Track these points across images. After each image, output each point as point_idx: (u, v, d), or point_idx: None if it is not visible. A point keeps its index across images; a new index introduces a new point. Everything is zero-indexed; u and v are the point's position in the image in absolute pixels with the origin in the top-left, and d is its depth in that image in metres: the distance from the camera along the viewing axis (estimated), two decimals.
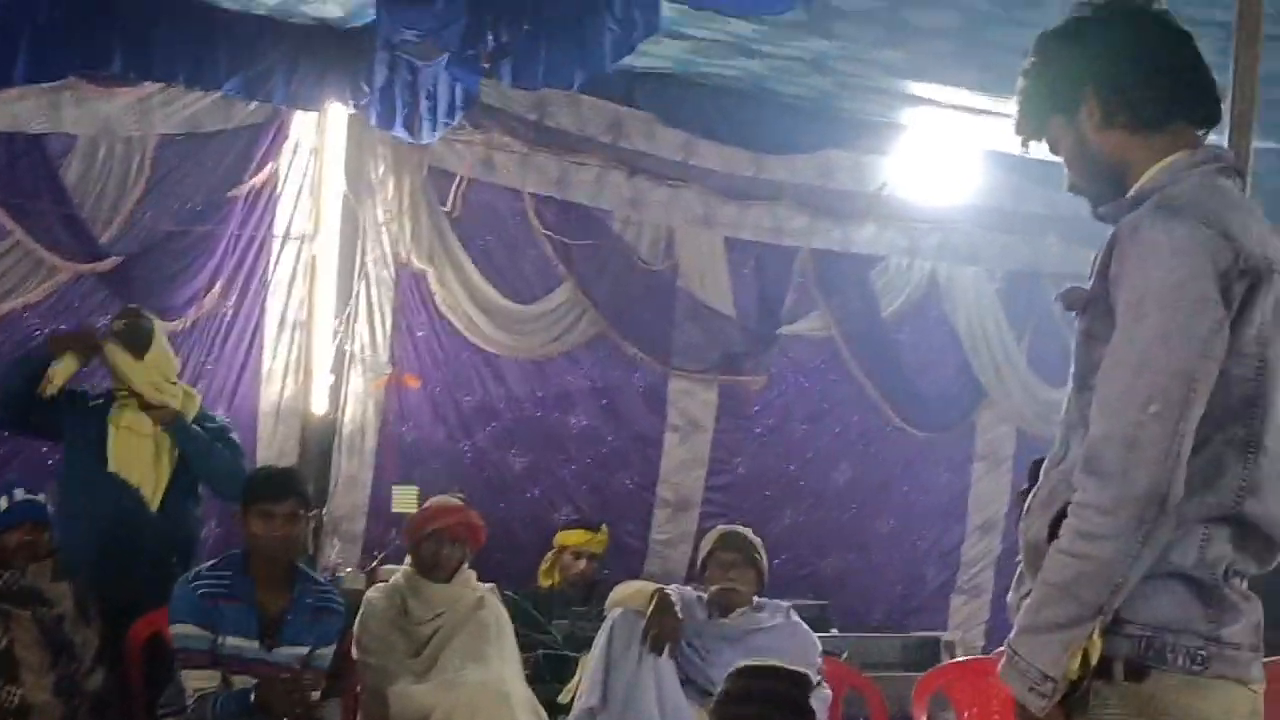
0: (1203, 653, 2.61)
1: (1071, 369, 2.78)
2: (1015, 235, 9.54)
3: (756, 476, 8.98)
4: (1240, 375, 2.61)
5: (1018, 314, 9.64)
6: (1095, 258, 2.72)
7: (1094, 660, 2.57)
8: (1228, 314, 2.57)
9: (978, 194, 9.18)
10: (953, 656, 7.85)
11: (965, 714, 6.27)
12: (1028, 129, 2.97)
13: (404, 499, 7.65)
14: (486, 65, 6.72)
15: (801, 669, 5.00)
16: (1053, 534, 2.62)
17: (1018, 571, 2.80)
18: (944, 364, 9.55)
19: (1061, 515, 2.61)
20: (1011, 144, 9.01)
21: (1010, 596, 2.82)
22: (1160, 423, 2.51)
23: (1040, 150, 8.69)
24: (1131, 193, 2.77)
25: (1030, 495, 2.82)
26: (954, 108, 8.08)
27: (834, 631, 7.58)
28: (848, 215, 9.08)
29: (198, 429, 6.41)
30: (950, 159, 8.96)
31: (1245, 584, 2.70)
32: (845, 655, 7.05)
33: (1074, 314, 2.78)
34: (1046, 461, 2.81)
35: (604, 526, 7.85)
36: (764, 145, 8.71)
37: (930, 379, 9.52)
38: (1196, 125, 2.82)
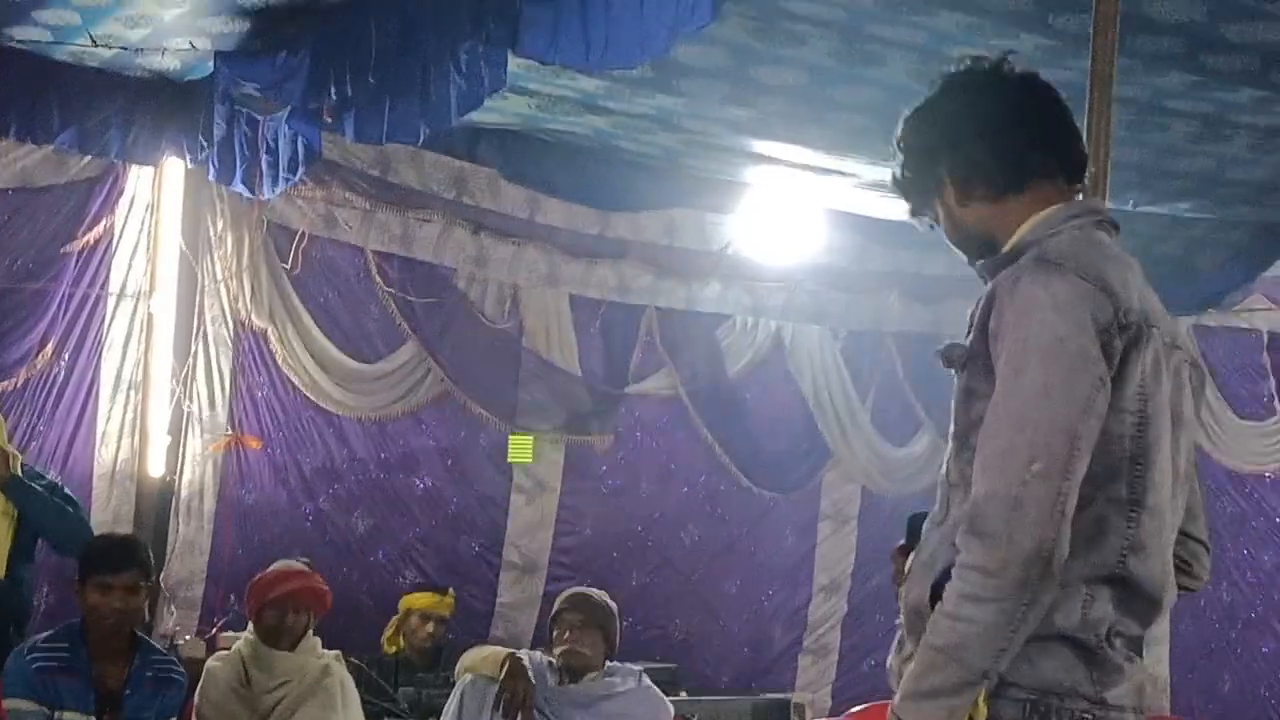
0: (1088, 716, 2.56)
1: (951, 428, 2.73)
2: (858, 294, 9.58)
3: (603, 538, 8.88)
4: (1121, 433, 2.58)
5: (861, 373, 9.68)
6: (972, 313, 2.69)
7: None
8: (1109, 369, 2.54)
9: (821, 253, 9.21)
10: (802, 718, 7.80)
11: None
12: (921, 213, 2.96)
13: (519, 447, 7.83)
14: (329, 119, 6.60)
15: None
16: (935, 597, 2.56)
17: (898, 635, 2.74)
18: (790, 423, 9.54)
19: (944, 578, 2.55)
20: (852, 203, 9.14)
21: (891, 660, 2.75)
22: (1044, 481, 2.46)
23: (886, 211, 8.79)
24: (1007, 247, 2.75)
25: (910, 556, 2.77)
26: (798, 166, 8.09)
27: (683, 695, 7.51)
28: (693, 274, 9.06)
29: (34, 485, 6.18)
30: (794, 218, 8.98)
31: (1127, 645, 2.67)
32: (695, 719, 6.97)
33: (952, 371, 2.74)
34: (927, 522, 2.76)
35: (451, 590, 7.73)
36: (609, 202, 8.66)
37: (777, 438, 9.50)
38: (1060, 180, 2.81)
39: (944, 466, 2.74)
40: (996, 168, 2.78)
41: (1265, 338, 9.52)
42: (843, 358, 9.61)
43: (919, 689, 2.50)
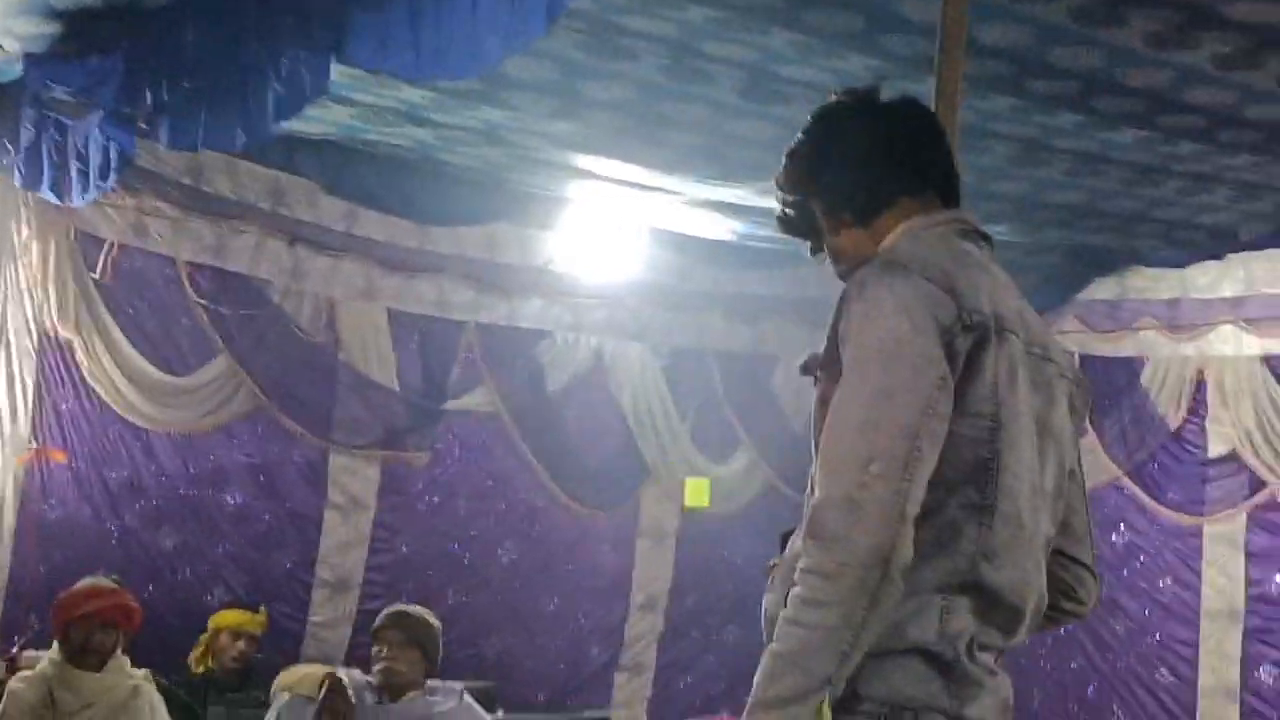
0: None
1: (811, 441, 2.70)
2: (680, 312, 9.59)
3: (419, 555, 8.75)
4: (972, 436, 2.57)
5: (682, 391, 9.67)
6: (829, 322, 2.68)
7: None
8: (952, 370, 2.53)
9: (643, 270, 9.20)
10: None
11: None
12: (819, 250, 3.01)
13: (696, 491, 7.79)
14: (143, 126, 6.42)
15: None
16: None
17: (765, 650, 2.71)
18: (609, 441, 9.50)
19: None
20: (675, 221, 9.19)
21: (757, 675, 2.71)
22: (884, 483, 2.44)
23: (708, 230, 8.83)
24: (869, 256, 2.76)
25: (774, 570, 2.74)
26: (621, 183, 8.06)
27: (500, 713, 7.45)
28: (514, 289, 8.98)
29: None
30: (616, 235, 8.95)
31: (992, 658, 2.64)
32: None
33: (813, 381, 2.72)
34: (793, 535, 2.73)
35: (262, 607, 7.57)
36: (430, 216, 8.55)
37: (596, 456, 9.46)
38: (931, 196, 2.83)
39: (808, 481, 2.72)
40: (858, 191, 2.84)
41: (1077, 359, 9.68)
42: (664, 375, 9.59)
43: (764, 697, 2.48)
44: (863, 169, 2.84)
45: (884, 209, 2.81)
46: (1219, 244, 8.72)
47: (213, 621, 7.42)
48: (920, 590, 2.52)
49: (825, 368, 2.65)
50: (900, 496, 2.45)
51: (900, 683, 2.53)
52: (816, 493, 2.52)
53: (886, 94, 2.94)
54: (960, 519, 2.57)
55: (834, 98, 2.98)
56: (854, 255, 2.83)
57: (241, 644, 7.29)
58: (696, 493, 8.23)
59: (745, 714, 2.52)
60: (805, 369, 2.76)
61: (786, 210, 2.98)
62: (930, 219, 2.78)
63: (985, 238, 2.83)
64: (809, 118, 2.97)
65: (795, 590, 2.48)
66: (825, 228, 2.90)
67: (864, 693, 2.53)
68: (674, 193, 8.10)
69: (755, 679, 2.65)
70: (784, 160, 2.97)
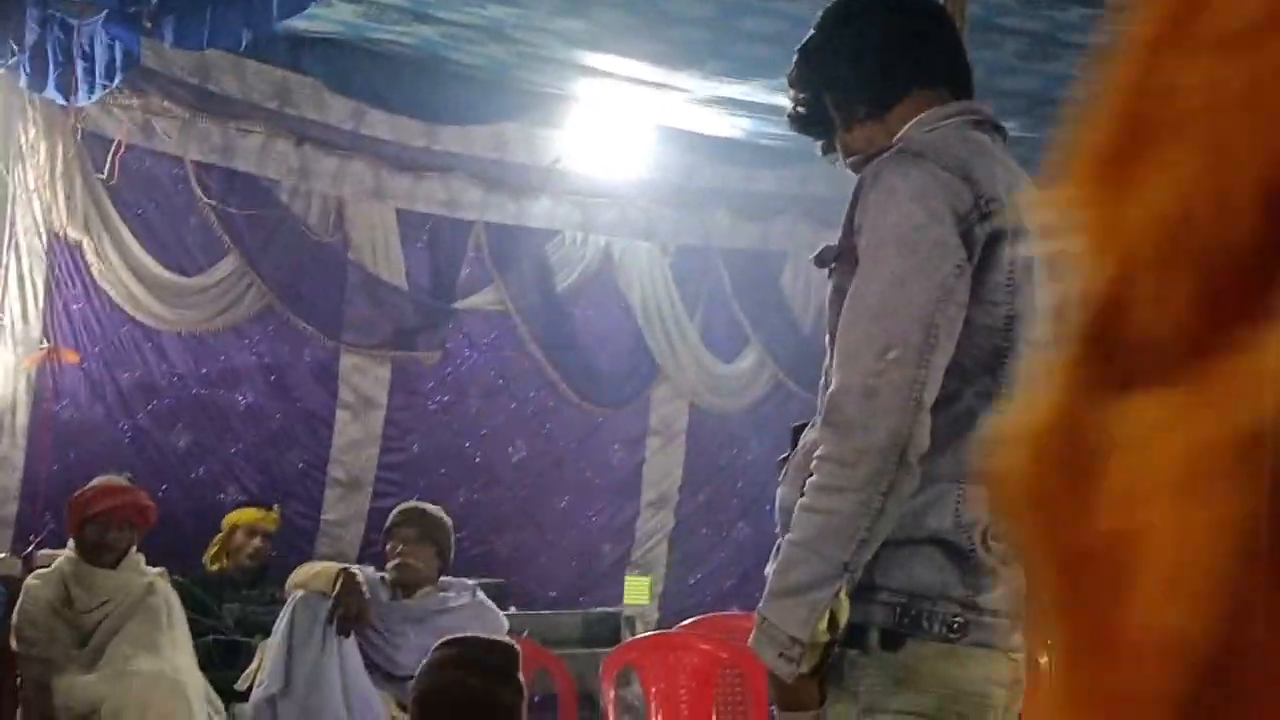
0: (959, 620, 2.55)
1: (827, 333, 2.70)
2: (687, 210, 9.56)
3: (431, 454, 8.79)
4: (988, 325, 2.57)
5: (690, 289, 9.67)
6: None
7: (842, 622, 2.49)
8: (969, 258, 2.52)
9: (651, 169, 9.17)
10: (633, 632, 7.83)
11: (652, 689, 6.22)
12: (832, 149, 3.00)
13: (636, 590, 8.28)
14: (147, 24, 6.39)
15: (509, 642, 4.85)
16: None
17: (777, 543, 2.72)
18: (619, 339, 9.51)
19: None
20: (682, 118, 9.08)
21: (768, 568, 2.73)
22: (900, 369, 2.45)
23: (716, 127, 8.78)
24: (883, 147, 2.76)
25: (787, 462, 2.75)
26: (629, 80, 8.02)
27: (512, 609, 7.48)
28: (522, 189, 8.95)
29: None
30: (624, 133, 8.92)
31: (1004, 548, 2.66)
32: (526, 633, 6.95)
33: (827, 273, 2.72)
34: (806, 428, 2.74)
35: (276, 506, 7.62)
36: (437, 116, 8.52)
37: (605, 354, 9.48)
38: (943, 90, 2.82)
39: (824, 372, 2.72)
40: (870, 85, 2.82)
41: None
42: (671, 274, 9.59)
43: (781, 586, 2.50)
44: (875, 62, 2.82)
45: (897, 101, 2.80)
46: None
47: (227, 520, 7.45)
48: (937, 479, 2.52)
49: (840, 258, 2.65)
50: (917, 383, 2.46)
51: (918, 571, 2.55)
52: (833, 380, 2.53)
53: None
54: (977, 407, 2.58)
55: None
56: (868, 149, 2.81)
57: (257, 541, 7.33)
58: (637, 591, 8.39)
59: (763, 602, 2.54)
60: (820, 261, 2.75)
61: (799, 108, 2.97)
62: (944, 110, 2.76)
63: (999, 129, 2.82)
64: (820, 14, 2.96)
65: (812, 479, 2.50)
66: (838, 123, 2.89)
67: (880, 581, 2.54)
68: (681, 90, 8.06)
69: (771, 568, 2.67)
70: (796, 57, 2.96)
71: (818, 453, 2.49)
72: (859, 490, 2.43)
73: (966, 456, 2.56)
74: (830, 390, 2.52)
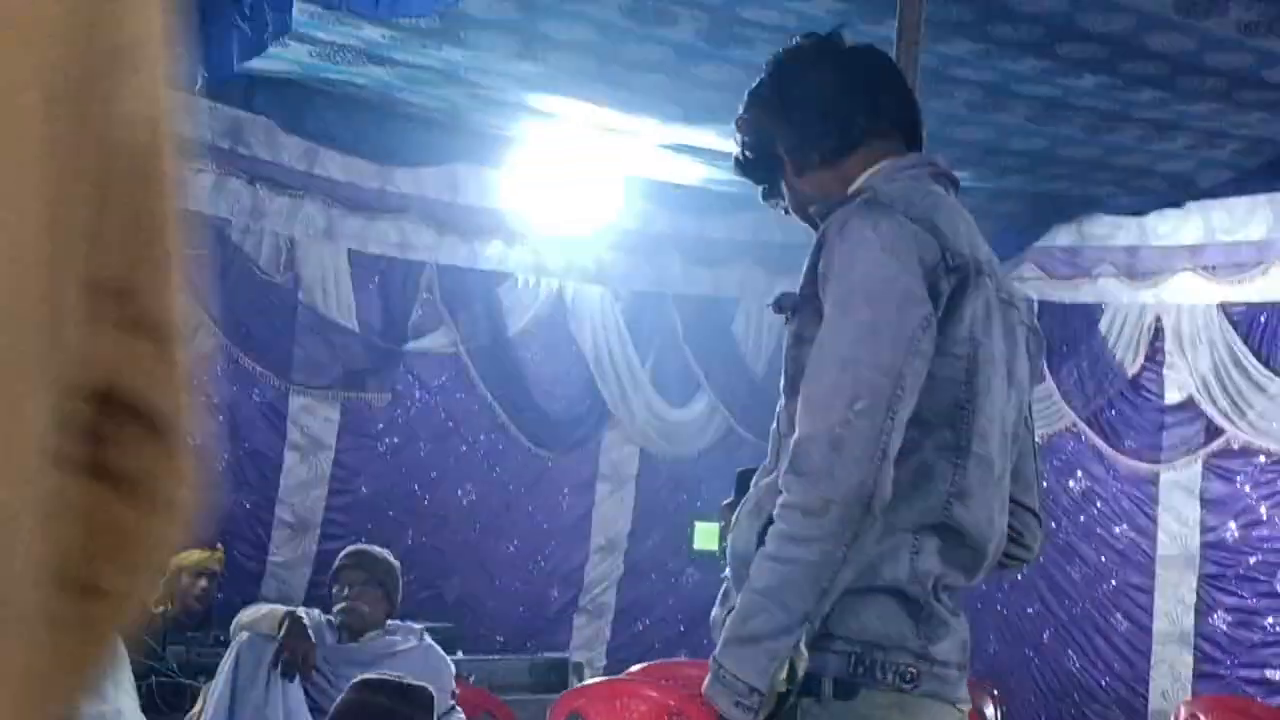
0: (912, 670, 2.55)
1: (782, 379, 2.70)
2: (640, 255, 9.58)
3: (380, 496, 8.76)
4: (949, 377, 2.57)
5: (642, 334, 9.67)
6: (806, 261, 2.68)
7: (800, 672, 2.48)
8: (935, 310, 2.53)
9: (604, 213, 9.18)
10: (580, 678, 7.80)
11: None
12: (774, 195, 3.00)
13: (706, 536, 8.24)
14: None
15: (424, 684, 4.83)
16: (760, 543, 2.53)
17: (723, 587, 2.71)
18: (570, 383, 9.51)
19: (769, 524, 2.53)
20: (635, 165, 9.09)
21: (715, 612, 2.72)
22: (867, 420, 2.45)
23: (670, 173, 8.79)
24: (842, 196, 2.75)
25: (739, 506, 2.74)
26: (582, 125, 8.04)
27: (460, 654, 7.43)
28: (475, 231, 8.96)
29: None
30: (578, 177, 8.92)
31: (952, 599, 2.66)
32: (472, 678, 6.92)
33: (784, 320, 2.72)
34: (758, 473, 2.74)
35: (219, 545, 7.55)
36: (390, 157, 8.52)
37: (556, 398, 9.46)
38: (896, 140, 2.82)
39: (775, 419, 2.72)
40: (826, 133, 2.83)
41: (1035, 306, 9.72)
42: (623, 318, 9.59)
43: (740, 634, 2.48)
44: (831, 110, 2.83)
45: (853, 149, 2.81)
46: (1178, 191, 8.75)
47: (170, 563, 7.39)
48: (894, 529, 2.53)
49: (801, 306, 2.65)
50: (884, 434, 2.46)
51: (872, 621, 2.55)
52: (798, 428, 2.52)
53: (848, 39, 2.94)
54: (934, 459, 2.58)
55: (796, 41, 2.97)
56: (820, 197, 2.81)
57: (204, 582, 7.27)
58: (707, 538, 8.58)
59: (719, 649, 2.52)
60: (779, 307, 2.74)
61: (746, 153, 2.97)
62: (902, 161, 2.78)
63: (954, 181, 2.83)
64: (771, 59, 2.96)
65: (776, 526, 2.48)
66: (790, 170, 2.88)
67: (836, 630, 2.53)
68: (635, 134, 8.08)
69: (718, 613, 2.66)
70: (745, 101, 2.96)
71: (781, 500, 2.48)
72: (823, 540, 2.43)
73: (924, 507, 2.57)
74: (795, 438, 2.50)
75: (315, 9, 6.14)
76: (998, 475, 2.68)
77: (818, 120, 2.83)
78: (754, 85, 2.96)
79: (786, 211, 2.98)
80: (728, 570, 2.72)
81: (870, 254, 2.53)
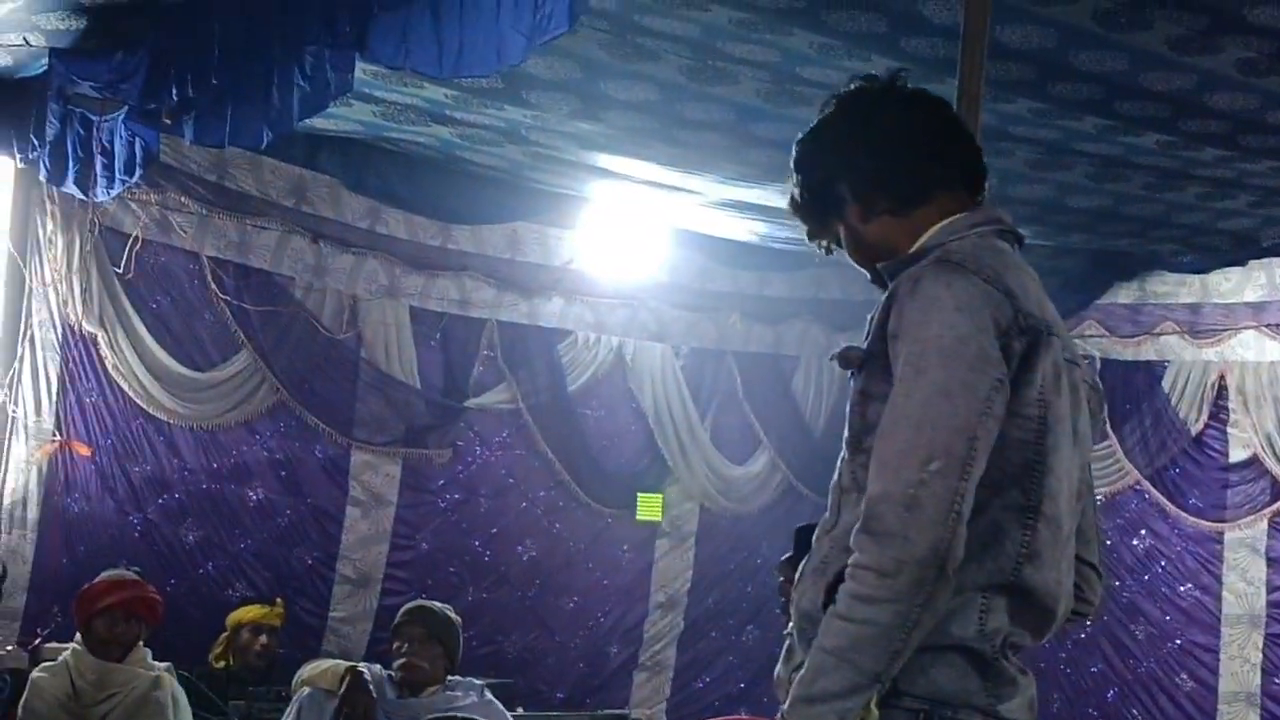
0: None
1: (845, 433, 2.69)
2: (700, 313, 9.61)
3: (440, 552, 8.78)
4: (1019, 438, 2.56)
5: (702, 391, 9.69)
6: (871, 317, 2.68)
7: None
8: (1007, 372, 2.53)
9: (664, 270, 9.22)
10: None
11: None
12: (820, 236, 2.95)
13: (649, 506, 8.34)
14: (168, 121, 6.45)
15: None
16: (828, 601, 2.53)
17: (786, 645, 2.70)
18: (629, 440, 9.52)
19: (837, 582, 2.52)
20: (696, 221, 9.13)
21: (779, 670, 2.71)
22: (942, 481, 2.43)
23: (730, 231, 8.79)
24: (910, 252, 2.73)
25: (802, 564, 2.73)
26: (643, 183, 8.08)
27: (520, 710, 7.44)
28: (535, 288, 9.01)
29: None
30: (637, 235, 8.97)
31: (1020, 658, 2.65)
32: None
33: (848, 375, 2.72)
34: (818, 529, 2.73)
35: (278, 600, 7.59)
36: (452, 215, 8.60)
37: (616, 455, 9.48)
38: (961, 191, 2.80)
39: (836, 473, 2.71)
40: (898, 180, 2.78)
41: (1098, 363, 9.69)
42: (683, 375, 9.61)
43: (809, 693, 2.46)
44: (904, 155, 2.79)
45: (924, 201, 2.77)
46: (1240, 249, 8.70)
47: (231, 619, 7.43)
48: (964, 588, 2.50)
49: (868, 362, 2.65)
50: (958, 496, 2.44)
51: (941, 679, 2.53)
52: (871, 487, 2.49)
53: (908, 85, 2.91)
54: (1004, 520, 2.57)
55: (856, 85, 2.92)
56: (882, 245, 2.80)
57: (264, 638, 7.32)
58: (649, 507, 8.50)
59: (788, 706, 2.50)
60: (845, 362, 2.72)
61: (805, 192, 2.90)
62: (972, 217, 2.74)
63: (1019, 238, 2.81)
64: (835, 99, 2.90)
65: (848, 586, 2.46)
66: (854, 214, 2.83)
67: (904, 688, 2.51)
68: (695, 193, 8.12)
69: (782, 669, 2.65)
70: (807, 138, 2.90)
71: (854, 560, 2.47)
72: (897, 601, 2.42)
73: (994, 568, 2.55)
74: (868, 496, 2.49)
75: (379, 69, 6.20)
76: (1066, 535, 2.66)
77: (890, 164, 2.79)
78: (817, 123, 2.90)
79: (829, 251, 2.96)
80: (791, 627, 2.71)
81: (944, 314, 2.51)
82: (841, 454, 2.70)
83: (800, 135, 2.92)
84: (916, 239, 2.75)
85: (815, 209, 2.90)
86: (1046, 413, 2.59)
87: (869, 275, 2.88)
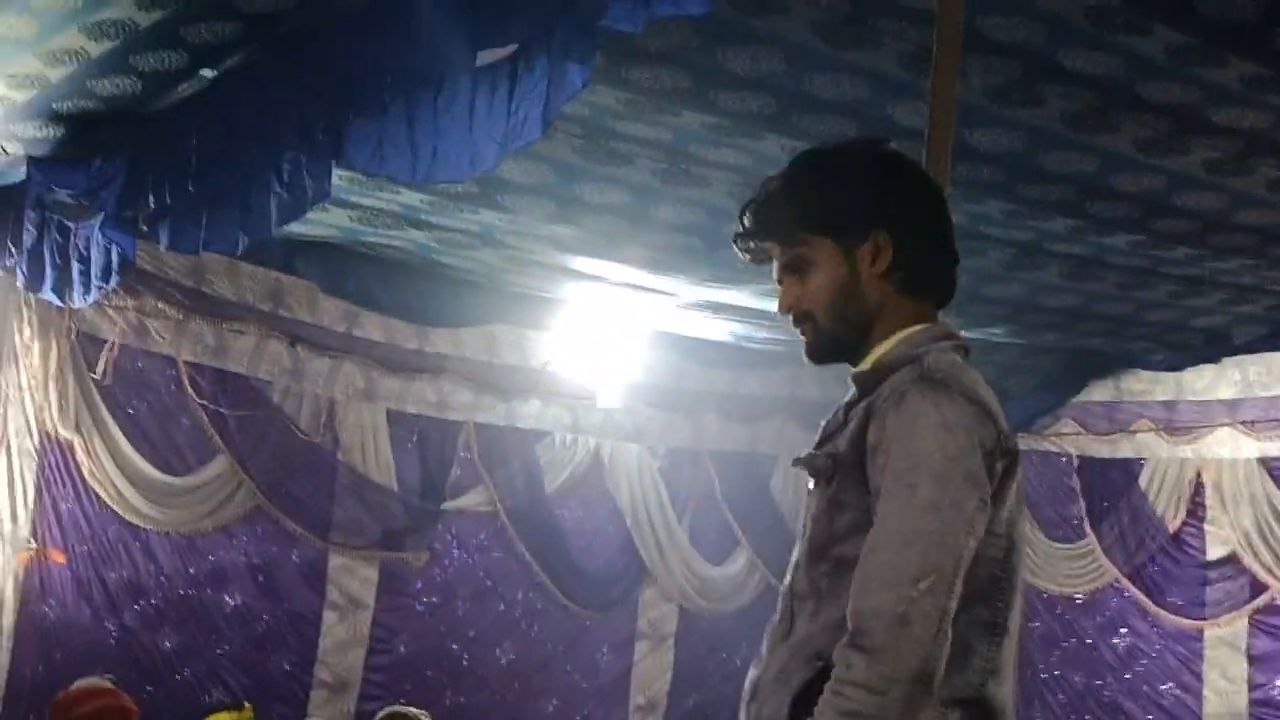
0: None
1: (804, 541, 2.69)
2: (676, 413, 9.61)
3: (418, 656, 8.73)
4: (989, 555, 2.57)
5: (679, 491, 9.69)
6: (828, 423, 2.68)
7: None
8: (989, 492, 2.54)
9: (639, 371, 9.24)
10: None
11: None
12: (772, 231, 2.79)
13: None
14: (144, 228, 6.46)
15: None
16: (794, 714, 2.52)
17: None
18: (608, 541, 9.51)
19: (801, 694, 2.52)
20: (670, 322, 9.12)
21: None
22: (931, 599, 2.44)
23: (704, 331, 8.73)
24: (869, 363, 2.72)
25: (753, 672, 2.72)
26: (618, 284, 8.11)
27: None
28: (512, 390, 9.02)
29: None
30: (613, 336, 9.00)
31: None
32: None
33: (812, 482, 2.72)
34: (768, 635, 2.72)
35: (246, 704, 7.50)
36: (429, 318, 8.62)
37: (594, 556, 9.46)
38: (939, 302, 2.81)
39: (788, 578, 2.71)
40: (925, 267, 2.75)
41: (1075, 461, 9.71)
42: (661, 476, 9.61)
43: None
44: (939, 251, 2.77)
45: (924, 295, 2.74)
46: (1213, 347, 8.75)
47: None
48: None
49: (839, 471, 2.64)
50: (945, 614, 2.45)
51: None
52: (859, 602, 2.48)
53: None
54: (971, 636, 2.57)
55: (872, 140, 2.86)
56: (864, 308, 2.72)
57: None
58: None
59: None
60: (815, 470, 2.69)
61: (829, 191, 2.73)
62: (931, 331, 2.72)
63: (967, 352, 2.81)
64: (890, 148, 2.81)
65: (835, 702, 2.45)
66: (864, 261, 2.71)
67: None
68: (669, 294, 8.15)
69: None
70: (854, 158, 2.79)
71: (840, 674, 2.46)
72: (884, 718, 2.41)
73: (960, 683, 2.55)
74: (857, 613, 2.48)
75: (355, 176, 6.24)
76: (1016, 646, 2.68)
77: (930, 250, 2.75)
78: (873, 148, 2.81)
79: (745, 248, 2.82)
80: None
81: (934, 432, 2.51)
82: (795, 559, 2.70)
83: (838, 144, 2.85)
84: (889, 325, 2.72)
85: (822, 218, 2.74)
86: (1014, 531, 2.61)
87: (806, 334, 2.78)
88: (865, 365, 2.73)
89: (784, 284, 2.80)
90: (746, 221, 2.82)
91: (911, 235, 2.73)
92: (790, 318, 2.81)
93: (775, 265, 2.81)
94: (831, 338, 2.76)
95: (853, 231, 2.72)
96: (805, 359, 2.82)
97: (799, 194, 2.76)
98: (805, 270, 2.76)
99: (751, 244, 2.82)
